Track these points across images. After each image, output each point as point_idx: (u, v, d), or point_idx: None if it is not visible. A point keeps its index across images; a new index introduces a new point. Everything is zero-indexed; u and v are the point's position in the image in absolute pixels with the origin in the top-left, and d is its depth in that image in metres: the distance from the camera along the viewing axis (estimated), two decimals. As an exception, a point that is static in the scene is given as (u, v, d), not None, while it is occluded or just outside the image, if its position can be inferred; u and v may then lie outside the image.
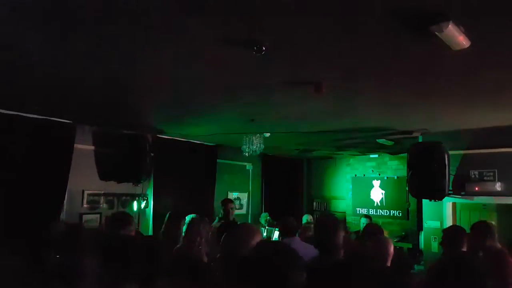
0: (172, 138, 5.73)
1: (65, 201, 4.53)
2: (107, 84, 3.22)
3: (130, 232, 2.83)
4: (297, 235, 3.71)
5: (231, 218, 4.54)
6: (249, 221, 6.70)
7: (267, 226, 6.08)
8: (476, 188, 4.92)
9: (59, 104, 3.99)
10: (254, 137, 5.00)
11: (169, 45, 2.32)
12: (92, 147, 4.97)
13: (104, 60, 2.64)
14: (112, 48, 2.40)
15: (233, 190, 6.89)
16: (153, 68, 2.77)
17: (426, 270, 3.26)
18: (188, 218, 2.93)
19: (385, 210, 6.99)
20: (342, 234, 2.43)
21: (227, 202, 4.81)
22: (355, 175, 7.45)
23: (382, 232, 3.58)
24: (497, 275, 2.67)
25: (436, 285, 1.54)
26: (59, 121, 4.49)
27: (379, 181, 7.13)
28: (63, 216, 4.50)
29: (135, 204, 5.31)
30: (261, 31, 2.09)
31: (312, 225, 3.98)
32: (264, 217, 6.57)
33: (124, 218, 2.91)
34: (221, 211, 4.72)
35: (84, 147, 4.85)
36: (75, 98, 3.71)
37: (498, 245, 3.17)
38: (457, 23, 1.84)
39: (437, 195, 4.33)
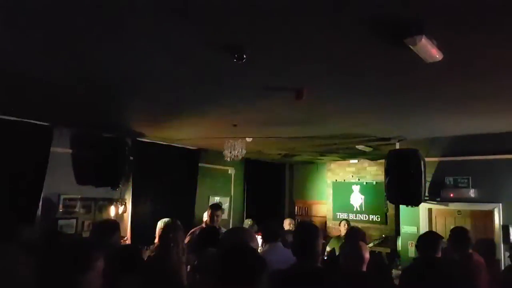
0: (152, 142, 5.66)
1: (40, 206, 4.41)
2: (86, 86, 3.16)
3: (118, 239, 2.78)
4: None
5: (216, 225, 4.35)
6: (231, 226, 6.67)
7: None
8: (451, 195, 5.06)
9: (36, 106, 3.89)
10: (236, 142, 4.99)
11: (151, 49, 2.30)
12: (69, 150, 4.85)
13: (83, 62, 2.59)
14: (92, 50, 2.36)
15: (215, 195, 6.85)
16: (134, 71, 2.74)
17: (400, 274, 3.34)
18: (160, 223, 2.86)
19: (364, 215, 7.10)
20: (321, 241, 2.45)
21: (213, 207, 4.52)
22: (336, 180, 7.54)
23: (364, 236, 3.58)
24: (469, 280, 2.76)
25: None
26: (35, 123, 4.37)
27: (358, 186, 7.24)
28: (38, 221, 4.37)
29: (112, 208, 5.20)
30: (242, 39, 2.10)
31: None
32: (246, 223, 6.50)
33: (112, 225, 2.84)
34: (207, 216, 4.53)
35: (60, 150, 4.73)
36: (52, 100, 3.62)
37: (471, 251, 3.28)
38: (430, 37, 1.91)
39: (413, 201, 4.42)
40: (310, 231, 2.43)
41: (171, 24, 1.95)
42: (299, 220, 7.16)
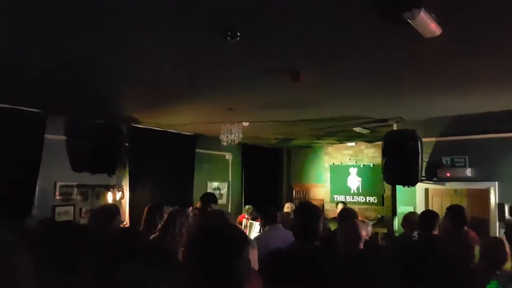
0: (148, 128, 5.61)
1: (36, 193, 4.39)
2: (79, 72, 3.09)
3: (119, 223, 2.78)
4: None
5: None
6: (229, 211, 6.69)
7: (250, 219, 5.94)
8: (448, 174, 5.09)
9: (29, 93, 3.81)
10: (232, 127, 4.96)
11: (144, 33, 2.24)
12: (64, 137, 4.80)
13: (76, 48, 2.52)
14: (84, 36, 2.30)
15: (212, 180, 6.85)
16: (128, 56, 2.68)
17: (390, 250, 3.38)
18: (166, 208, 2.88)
19: (361, 197, 7.16)
20: (322, 223, 2.44)
21: (209, 200, 4.41)
22: (333, 163, 7.56)
23: (356, 216, 3.64)
24: (464, 257, 2.80)
25: (399, 265, 1.58)
26: (28, 110, 4.30)
27: (355, 169, 7.26)
28: (34, 209, 4.36)
29: (110, 195, 5.20)
30: (235, 17, 2.05)
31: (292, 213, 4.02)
32: (246, 209, 6.46)
33: (112, 210, 2.83)
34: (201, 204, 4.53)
35: (55, 137, 4.68)
36: (45, 86, 3.55)
37: (466, 228, 3.32)
38: (429, 10, 1.86)
39: (410, 181, 4.44)
40: (311, 213, 2.40)
41: (163, 7, 1.89)
42: (297, 204, 7.20)
